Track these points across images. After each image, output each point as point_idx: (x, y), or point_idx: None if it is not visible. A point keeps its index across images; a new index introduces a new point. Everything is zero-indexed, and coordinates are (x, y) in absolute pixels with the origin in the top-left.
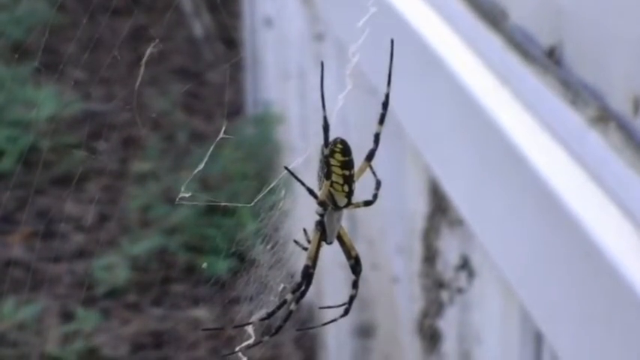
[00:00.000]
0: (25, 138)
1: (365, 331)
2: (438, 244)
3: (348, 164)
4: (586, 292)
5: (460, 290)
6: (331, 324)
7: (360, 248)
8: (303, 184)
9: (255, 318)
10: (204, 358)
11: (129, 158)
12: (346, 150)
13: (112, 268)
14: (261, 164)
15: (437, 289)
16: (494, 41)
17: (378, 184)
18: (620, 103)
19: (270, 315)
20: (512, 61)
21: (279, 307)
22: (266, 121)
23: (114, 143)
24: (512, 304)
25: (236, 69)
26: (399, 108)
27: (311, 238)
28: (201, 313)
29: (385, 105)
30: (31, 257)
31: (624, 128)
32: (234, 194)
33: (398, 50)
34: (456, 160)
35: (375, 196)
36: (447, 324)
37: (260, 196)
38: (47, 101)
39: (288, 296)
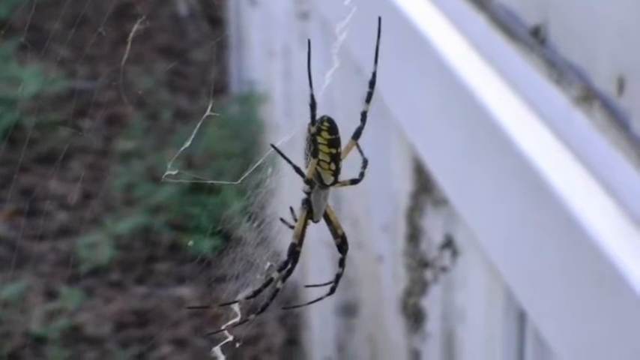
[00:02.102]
0: (10, 115)
1: (349, 310)
2: (422, 222)
3: (334, 142)
4: (570, 271)
5: (444, 269)
6: (315, 303)
7: (345, 227)
8: (289, 161)
9: (241, 296)
10: (188, 337)
11: (114, 136)
12: (333, 128)
13: (96, 246)
14: (245, 143)
15: (421, 268)
16: (479, 20)
17: (365, 162)
18: (604, 83)
19: (256, 293)
20: (497, 40)
21: (265, 286)
22: (251, 100)
23: (99, 121)
24: (496, 283)
25: (221, 48)
26: (384, 87)
27: (297, 216)
28: (185, 291)
29: (372, 83)
30: (16, 235)
31: (608, 108)
32: (219, 173)
33: (383, 30)
34: (441, 139)
35: (362, 175)
36: (431, 303)
37: (246, 174)
38: (32, 78)
39: (275, 274)
